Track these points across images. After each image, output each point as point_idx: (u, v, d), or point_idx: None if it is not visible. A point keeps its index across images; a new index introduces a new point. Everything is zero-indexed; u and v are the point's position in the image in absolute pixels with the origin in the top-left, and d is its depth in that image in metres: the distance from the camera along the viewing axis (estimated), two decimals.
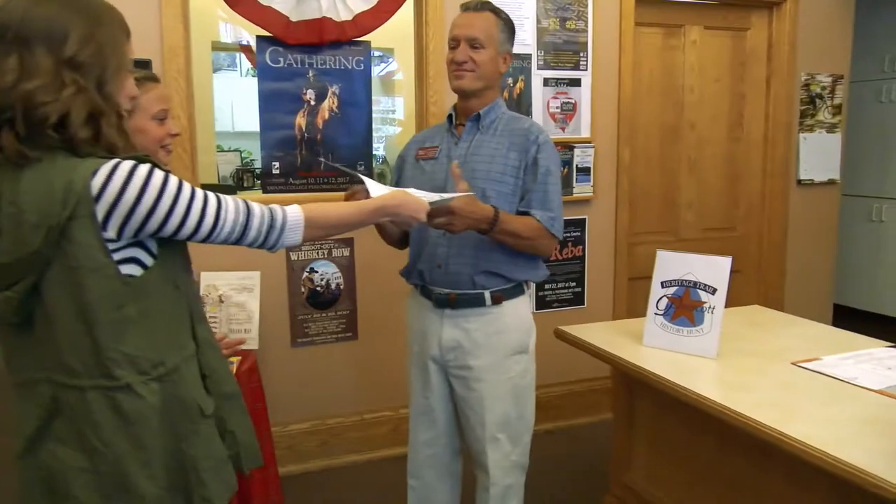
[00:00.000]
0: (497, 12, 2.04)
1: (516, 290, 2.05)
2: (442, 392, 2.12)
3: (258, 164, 4.81)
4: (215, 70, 5.27)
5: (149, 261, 1.20)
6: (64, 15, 1.15)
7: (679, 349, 2.12)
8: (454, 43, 2.02)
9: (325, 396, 3.10)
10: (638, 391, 2.40)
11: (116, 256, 1.15)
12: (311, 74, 2.96)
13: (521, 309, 2.07)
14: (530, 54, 3.19)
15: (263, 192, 3.02)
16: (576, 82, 3.30)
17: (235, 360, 2.49)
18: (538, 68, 3.21)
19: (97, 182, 1.11)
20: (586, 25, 3.28)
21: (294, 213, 1.34)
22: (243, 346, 2.66)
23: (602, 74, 3.35)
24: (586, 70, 3.31)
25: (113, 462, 1.18)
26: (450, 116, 2.13)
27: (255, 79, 2.98)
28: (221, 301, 2.56)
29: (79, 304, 1.14)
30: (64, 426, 1.19)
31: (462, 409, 2.08)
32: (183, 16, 2.71)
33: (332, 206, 1.44)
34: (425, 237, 2.04)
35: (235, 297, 2.65)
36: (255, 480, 2.37)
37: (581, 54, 3.29)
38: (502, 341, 2.02)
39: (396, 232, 2.12)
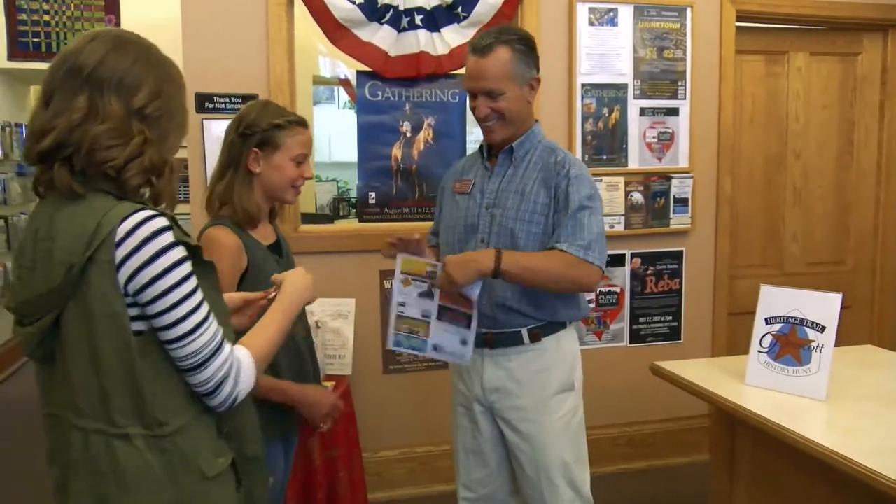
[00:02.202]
0: (510, 43, 1.88)
1: (555, 325, 1.97)
2: (491, 434, 2.05)
3: (354, 194, 4.96)
4: (315, 103, 5.48)
5: None
6: (138, 67, 1.20)
7: (784, 389, 2.02)
8: (472, 94, 1.92)
9: (415, 424, 3.12)
10: (739, 432, 2.29)
11: (131, 311, 1.14)
12: (407, 107, 3.04)
13: (563, 344, 1.99)
14: (626, 84, 3.16)
15: (360, 221, 3.11)
16: (674, 111, 3.23)
17: (329, 384, 2.55)
18: (634, 98, 3.18)
19: (123, 228, 1.12)
20: (685, 54, 3.22)
21: (245, 357, 1.24)
22: (339, 372, 2.72)
23: (701, 103, 3.28)
24: (685, 99, 3.24)
25: None
26: (481, 147, 2.06)
27: (352, 111, 3.08)
28: (318, 327, 2.63)
29: (91, 347, 1.14)
30: (74, 466, 1.20)
31: (513, 452, 2.01)
32: (288, 52, 2.84)
33: (267, 330, 1.33)
34: None
35: (331, 324, 2.73)
36: None
37: (679, 83, 3.23)
38: (545, 379, 1.95)
39: None
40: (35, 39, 5.10)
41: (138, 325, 1.15)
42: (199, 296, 1.17)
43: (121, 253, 1.11)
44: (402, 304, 1.97)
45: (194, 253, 1.20)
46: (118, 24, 5.15)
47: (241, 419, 1.30)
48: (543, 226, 1.91)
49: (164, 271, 1.13)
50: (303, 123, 1.88)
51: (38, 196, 1.22)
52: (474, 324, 1.89)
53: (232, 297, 1.50)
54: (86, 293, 1.13)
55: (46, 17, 5.09)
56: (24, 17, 5.06)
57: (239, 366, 1.21)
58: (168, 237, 1.14)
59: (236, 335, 1.31)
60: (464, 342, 1.91)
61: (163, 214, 1.16)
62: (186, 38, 2.77)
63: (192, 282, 1.16)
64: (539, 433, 1.95)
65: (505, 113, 1.90)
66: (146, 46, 1.25)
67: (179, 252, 1.15)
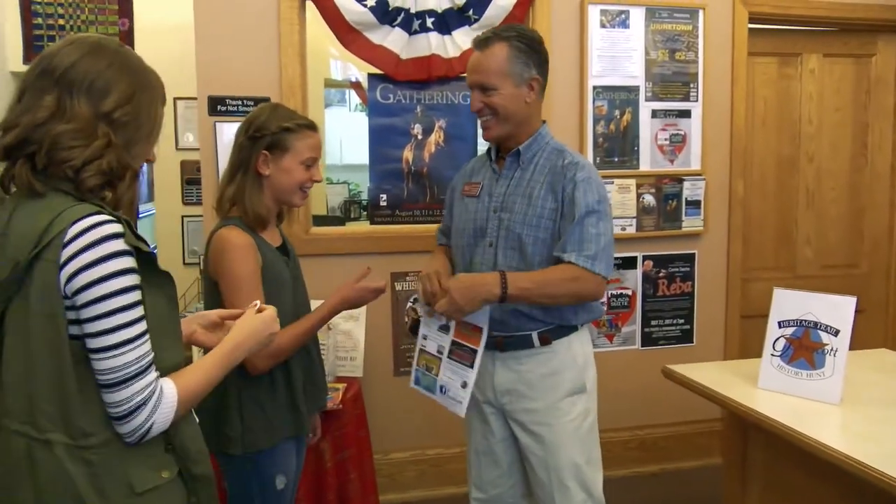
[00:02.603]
0: (509, 39, 1.87)
1: (566, 329, 1.97)
2: (503, 435, 2.05)
3: (365, 196, 4.96)
4: (326, 105, 5.50)
5: None
6: (111, 72, 1.19)
7: (797, 393, 2.01)
8: (470, 88, 1.93)
9: (426, 426, 3.12)
10: (752, 436, 2.28)
11: (70, 315, 1.11)
12: (418, 110, 3.04)
13: (574, 346, 1.98)
14: (638, 86, 3.15)
15: (371, 224, 3.12)
16: (685, 114, 3.22)
17: (341, 386, 2.55)
18: (646, 100, 3.17)
19: (74, 230, 1.10)
20: (697, 56, 3.21)
21: (170, 391, 1.17)
22: (350, 374, 2.73)
23: (713, 106, 3.26)
24: (697, 101, 3.23)
25: None
26: (489, 150, 2.06)
27: (364, 113, 3.09)
28: (329, 329, 2.64)
29: (25, 346, 1.13)
30: None
31: (525, 454, 2.01)
32: (300, 55, 2.86)
33: (203, 371, 1.26)
34: None
35: (342, 325, 2.73)
36: None
37: (691, 85, 3.22)
38: (555, 382, 1.94)
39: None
40: (50, 43, 5.15)
41: (76, 330, 1.12)
42: (135, 312, 1.13)
43: (66, 253, 1.10)
44: (425, 338, 1.99)
45: (150, 261, 1.18)
46: (131, 27, 5.18)
47: (182, 437, 1.23)
48: (551, 231, 1.89)
49: (102, 278, 1.10)
50: (312, 127, 1.88)
51: (4, 192, 1.21)
52: (477, 362, 1.87)
53: (209, 314, 1.49)
54: (28, 291, 1.12)
55: (61, 21, 5.14)
56: (39, 20, 5.11)
57: (160, 397, 1.15)
58: (116, 244, 1.11)
59: (206, 353, 1.28)
60: (464, 384, 1.89)
61: (118, 221, 1.14)
62: (199, 42, 2.78)
63: (132, 296, 1.12)
64: (550, 435, 1.94)
65: (498, 109, 1.89)
66: (125, 54, 1.24)
67: (124, 262, 1.12)
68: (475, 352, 1.87)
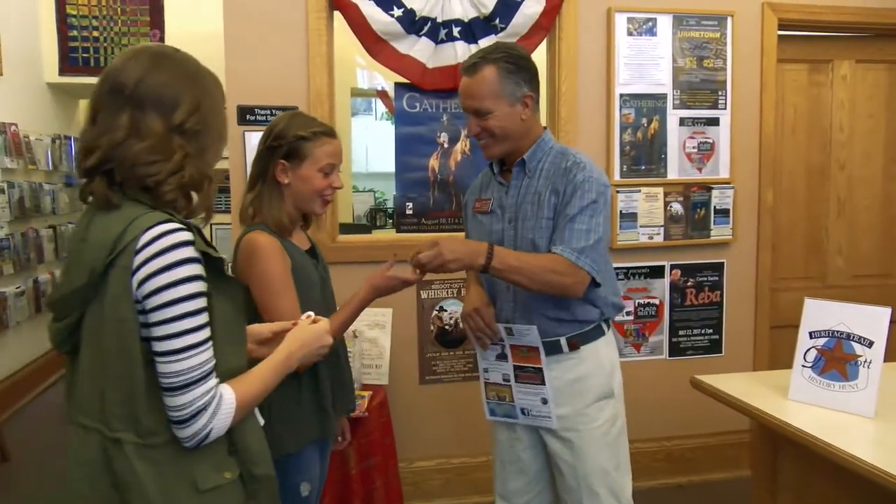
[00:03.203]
0: (496, 61, 1.87)
1: (594, 333, 1.96)
2: (530, 443, 2.04)
3: (390, 204, 4.99)
4: (353, 114, 5.55)
5: None
6: (176, 83, 1.23)
7: (829, 405, 1.97)
8: (465, 112, 1.94)
9: (452, 435, 3.12)
10: (782, 448, 2.24)
11: (142, 318, 1.15)
12: (445, 118, 3.05)
13: (600, 352, 1.98)
14: (665, 94, 3.13)
15: (397, 231, 3.13)
16: (714, 121, 3.20)
17: (366, 394, 2.56)
18: (674, 108, 3.15)
19: (146, 237, 1.14)
20: (725, 64, 3.18)
21: (229, 396, 1.21)
22: (376, 382, 2.73)
23: (742, 113, 3.23)
24: (725, 109, 3.20)
25: None
26: (491, 164, 2.05)
27: (390, 122, 3.11)
28: (355, 336, 2.65)
29: (99, 348, 1.17)
30: (72, 461, 1.23)
31: (554, 461, 2.00)
32: (328, 65, 2.88)
33: (259, 379, 1.29)
34: (493, 295, 2.00)
35: (368, 333, 2.74)
36: None
37: (719, 93, 3.19)
38: (584, 388, 1.94)
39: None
40: (84, 55, 5.26)
41: (145, 333, 1.16)
42: (200, 319, 1.17)
43: (138, 259, 1.14)
44: (486, 371, 2.02)
45: (217, 266, 1.21)
46: (162, 38, 5.28)
47: (246, 437, 1.27)
48: None
49: (170, 283, 1.13)
50: (330, 133, 1.88)
51: (84, 203, 1.26)
52: (546, 377, 1.90)
53: (260, 330, 1.51)
54: (103, 296, 1.16)
55: (95, 34, 5.25)
56: (74, 33, 5.23)
57: (220, 403, 1.18)
58: (186, 252, 1.15)
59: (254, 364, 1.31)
60: (544, 401, 1.93)
61: (188, 228, 1.18)
62: (229, 52, 2.83)
63: (198, 302, 1.16)
64: (579, 441, 1.94)
65: (495, 131, 1.89)
66: (183, 60, 1.27)
67: (193, 269, 1.16)
68: (540, 369, 1.90)
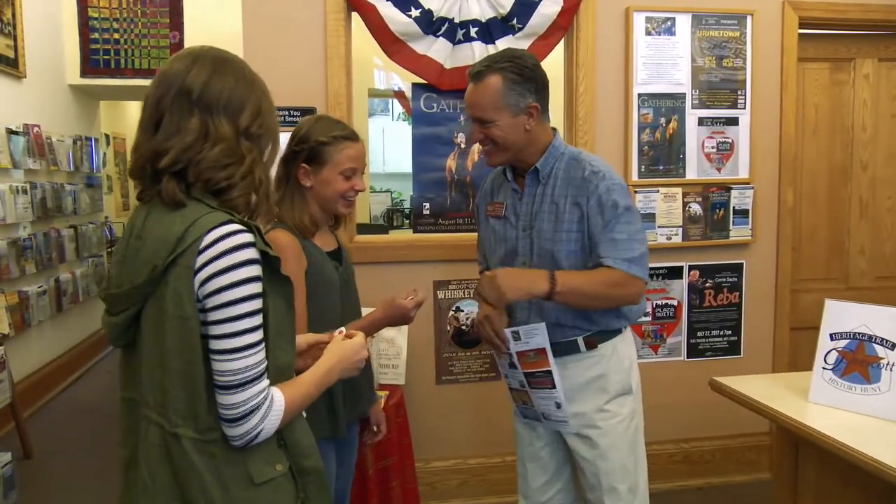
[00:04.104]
0: (503, 70, 1.85)
1: (612, 332, 1.97)
2: (549, 439, 2.06)
3: (408, 205, 5.00)
4: (370, 115, 5.56)
5: None
6: (239, 88, 1.25)
7: (851, 408, 1.94)
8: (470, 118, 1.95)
9: (468, 436, 3.12)
10: (802, 451, 2.22)
11: (201, 316, 1.18)
12: (462, 119, 3.05)
13: (619, 349, 1.98)
14: (684, 94, 3.11)
15: (414, 232, 3.13)
16: (733, 121, 3.17)
17: (383, 394, 2.56)
18: (693, 107, 3.12)
19: (210, 238, 1.16)
20: (745, 63, 3.15)
21: (279, 399, 1.23)
22: (393, 382, 2.74)
23: (762, 113, 3.20)
24: (745, 109, 3.17)
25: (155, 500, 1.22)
26: (504, 169, 2.03)
27: (407, 122, 3.12)
28: (372, 337, 2.66)
29: (160, 345, 1.19)
30: (137, 451, 1.25)
31: (574, 458, 2.01)
32: (346, 66, 2.89)
33: (304, 387, 1.31)
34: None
35: (385, 333, 2.75)
36: None
37: (739, 92, 3.16)
38: (603, 385, 1.95)
39: None
40: (105, 57, 5.33)
41: (205, 331, 1.18)
42: (257, 319, 1.19)
43: (201, 259, 1.16)
44: (506, 377, 2.03)
45: (273, 265, 1.23)
46: (181, 40, 5.33)
47: (295, 432, 1.30)
48: (581, 243, 1.89)
49: (232, 284, 1.16)
50: (352, 137, 1.89)
51: (140, 202, 1.28)
52: (557, 379, 1.88)
53: (298, 339, 1.51)
54: (163, 293, 1.18)
55: (116, 36, 5.32)
56: (95, 35, 5.29)
57: (271, 404, 1.21)
58: (248, 253, 1.18)
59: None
60: (557, 405, 1.92)
61: (249, 229, 1.20)
62: (248, 53, 2.84)
63: (255, 303, 1.19)
64: (599, 438, 1.94)
65: (497, 140, 1.89)
66: (241, 64, 1.30)
67: (253, 270, 1.18)
68: (549, 373, 1.89)
